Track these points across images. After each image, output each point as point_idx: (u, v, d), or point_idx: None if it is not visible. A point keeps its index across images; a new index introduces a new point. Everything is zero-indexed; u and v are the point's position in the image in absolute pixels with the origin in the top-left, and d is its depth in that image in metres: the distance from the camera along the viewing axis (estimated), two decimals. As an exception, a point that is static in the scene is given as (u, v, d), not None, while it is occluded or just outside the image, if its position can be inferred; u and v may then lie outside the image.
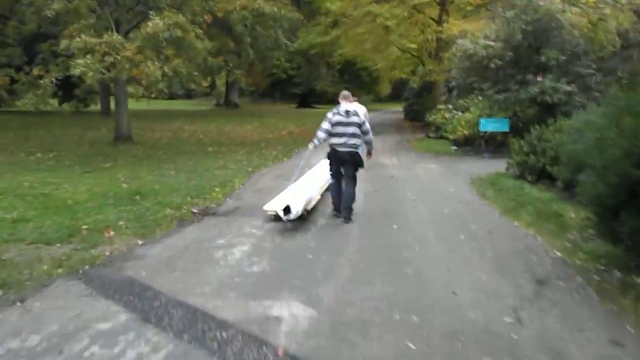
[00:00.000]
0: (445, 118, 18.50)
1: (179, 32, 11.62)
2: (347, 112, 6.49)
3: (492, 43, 12.62)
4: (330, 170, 6.80)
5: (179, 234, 5.97)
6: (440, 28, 19.54)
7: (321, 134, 6.47)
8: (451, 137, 16.65)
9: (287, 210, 5.97)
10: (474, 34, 14.21)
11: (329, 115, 6.53)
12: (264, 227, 6.18)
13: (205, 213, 7.11)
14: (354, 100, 14.09)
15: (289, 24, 16.83)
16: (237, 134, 21.88)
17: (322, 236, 5.76)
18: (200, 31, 12.61)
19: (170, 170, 11.47)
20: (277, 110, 39.59)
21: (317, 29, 24.80)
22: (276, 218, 6.26)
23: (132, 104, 21.72)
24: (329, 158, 6.73)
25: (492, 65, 12.43)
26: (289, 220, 6.03)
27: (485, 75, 13.16)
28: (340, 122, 6.43)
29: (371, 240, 5.52)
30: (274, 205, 6.38)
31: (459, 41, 13.53)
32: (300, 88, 50.26)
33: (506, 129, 13.58)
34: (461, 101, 19.32)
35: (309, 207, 6.85)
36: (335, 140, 6.49)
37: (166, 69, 11.70)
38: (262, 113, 34.33)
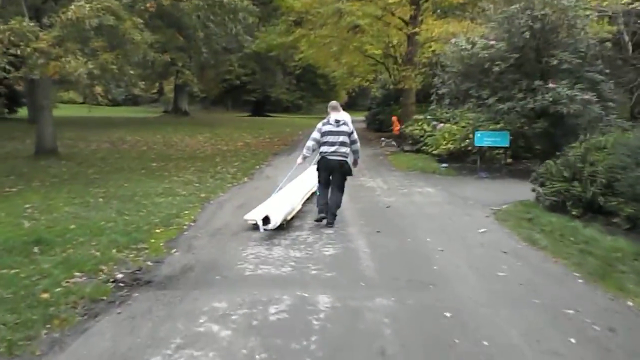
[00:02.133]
0: (424, 130, 16.54)
1: (110, 20, 8.97)
2: (337, 122, 6.66)
3: (493, 42, 10.66)
4: (319, 175, 6.82)
5: (80, 339, 3.40)
6: (416, 29, 17.57)
7: (311, 143, 6.71)
8: (434, 152, 14.68)
9: (266, 220, 6.04)
10: (467, 34, 12.28)
11: (319, 125, 6.76)
12: (231, 317, 3.72)
13: (136, 281, 4.56)
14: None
15: (249, 20, 14.31)
16: (187, 146, 19.13)
17: (333, 338, 3.36)
18: (139, 20, 9.96)
19: (99, 196, 8.80)
20: (230, 119, 36.73)
21: (277, 29, 22.41)
22: (255, 227, 6.20)
23: (70, 110, 18.54)
24: (318, 166, 6.79)
25: (496, 68, 10.45)
26: (265, 230, 6.02)
27: (483, 81, 11.18)
28: (331, 132, 6.61)
29: (424, 355, 3.17)
30: (255, 215, 6.40)
31: (453, 40, 11.52)
32: (254, 95, 47.52)
33: (506, 143, 11.66)
34: (440, 111, 17.46)
35: (289, 217, 6.79)
36: (325, 148, 6.61)
37: (91, 65, 8.99)
38: (214, 122, 31.46)
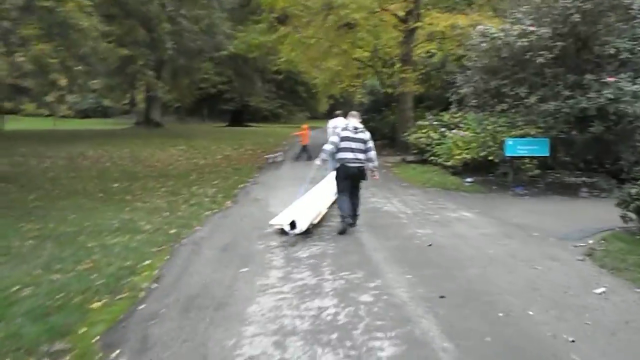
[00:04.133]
0: (430, 137, 14.47)
1: (42, -2, 6.64)
2: (355, 129, 6.63)
3: (532, 28, 8.63)
4: (338, 184, 6.69)
5: None
6: (418, 23, 15.51)
7: (329, 147, 6.56)
8: (446, 163, 12.59)
9: (293, 225, 6.01)
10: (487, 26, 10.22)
11: (337, 130, 6.81)
12: None
13: None
14: (340, 115, 11.72)
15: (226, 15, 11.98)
16: (158, 161, 16.71)
17: None
18: (87, 2, 7.63)
19: (30, 236, 6.48)
20: (206, 130, 34.22)
21: (258, 27, 20.14)
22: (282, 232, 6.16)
23: (33, 123, 16.06)
24: (337, 174, 6.65)
25: (539, 59, 8.40)
26: (294, 235, 6.01)
27: (518, 77, 9.14)
28: (348, 137, 6.54)
29: None
30: (281, 219, 6.34)
31: (479, 27, 9.46)
32: (232, 104, 45.04)
33: (545, 153, 9.61)
34: (448, 115, 15.44)
35: (315, 221, 6.74)
36: (343, 155, 6.53)
37: (20, 58, 6.65)
38: (190, 133, 28.96)
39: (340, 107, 51.54)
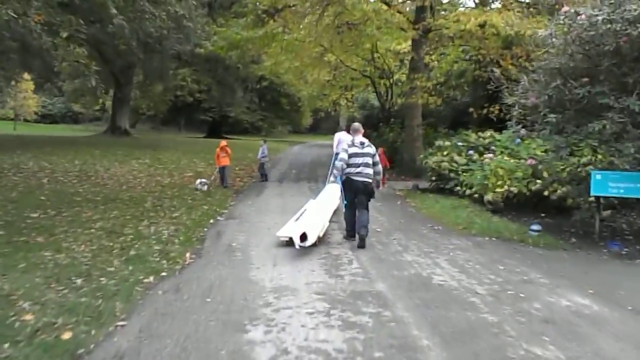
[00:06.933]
0: (454, 162, 11.51)
1: None
2: (362, 144, 6.70)
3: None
4: (345, 198, 6.82)
5: None
6: (440, 20, 12.59)
7: (340, 164, 6.64)
8: (483, 196, 9.66)
9: (303, 237, 5.92)
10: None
11: (344, 146, 6.90)
12: None
13: None
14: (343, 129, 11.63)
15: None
16: (111, 177, 13.39)
17: None
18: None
19: None
20: (180, 141, 30.73)
21: (242, 21, 17.04)
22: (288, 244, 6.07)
23: None
24: (343, 186, 6.83)
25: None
26: (301, 247, 5.86)
27: (623, 82, 6.22)
28: (356, 153, 6.59)
29: None
30: (289, 231, 6.37)
31: (564, 9, 6.54)
32: (210, 115, 41.73)
33: (649, 192, 6.69)
34: (472, 135, 12.55)
35: (321, 234, 6.61)
36: (350, 169, 6.59)
37: None
38: (160, 143, 25.50)
39: (323, 122, 48.33)
